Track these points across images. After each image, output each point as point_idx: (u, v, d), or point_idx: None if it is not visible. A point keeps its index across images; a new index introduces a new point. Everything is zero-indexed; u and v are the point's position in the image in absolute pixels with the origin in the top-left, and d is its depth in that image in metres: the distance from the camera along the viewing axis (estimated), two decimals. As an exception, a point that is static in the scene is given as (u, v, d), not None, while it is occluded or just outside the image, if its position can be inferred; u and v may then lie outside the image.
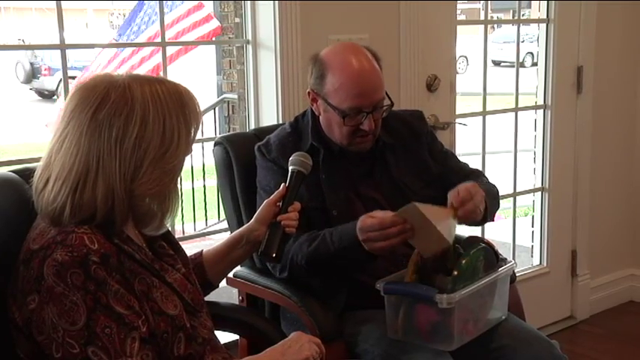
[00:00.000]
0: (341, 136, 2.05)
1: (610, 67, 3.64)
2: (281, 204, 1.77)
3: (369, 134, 2.05)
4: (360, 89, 1.99)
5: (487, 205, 1.98)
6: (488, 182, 2.18)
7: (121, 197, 1.37)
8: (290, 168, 1.83)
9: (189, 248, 1.74)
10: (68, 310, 1.30)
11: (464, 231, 2.45)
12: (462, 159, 2.35)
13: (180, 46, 5.86)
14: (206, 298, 1.65)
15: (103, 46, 7.42)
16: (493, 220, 2.04)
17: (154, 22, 6.10)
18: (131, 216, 1.42)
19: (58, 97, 12.19)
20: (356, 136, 2.04)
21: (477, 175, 2.22)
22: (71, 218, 1.36)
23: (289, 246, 1.94)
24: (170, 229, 1.60)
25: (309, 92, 2.11)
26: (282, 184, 1.80)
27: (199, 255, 1.78)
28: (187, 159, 1.49)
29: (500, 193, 3.51)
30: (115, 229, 1.39)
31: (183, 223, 5.58)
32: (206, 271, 1.76)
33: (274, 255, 1.72)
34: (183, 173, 1.51)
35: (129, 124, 1.37)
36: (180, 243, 1.65)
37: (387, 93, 2.06)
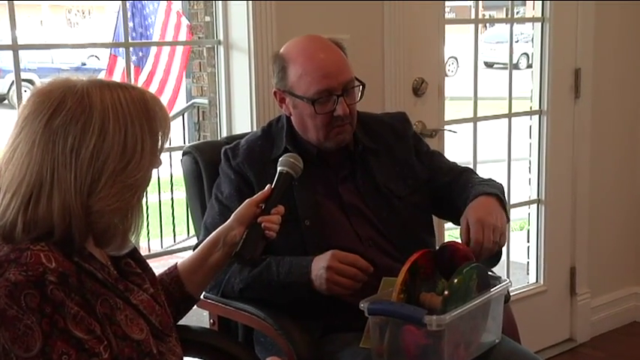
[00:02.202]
0: (316, 131, 2.08)
1: (610, 70, 3.68)
2: (264, 205, 1.78)
3: (346, 123, 2.07)
4: (324, 70, 2.03)
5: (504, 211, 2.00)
6: (484, 181, 2.17)
7: (77, 213, 1.36)
8: (278, 169, 1.86)
9: (156, 267, 1.73)
10: (22, 334, 1.29)
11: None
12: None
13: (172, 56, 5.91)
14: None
15: (60, 47, 7.39)
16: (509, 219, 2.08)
17: (153, 24, 6.18)
18: (91, 234, 1.42)
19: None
20: (332, 126, 2.06)
21: (469, 175, 2.22)
22: (25, 235, 1.35)
23: (227, 266, 1.96)
24: (135, 246, 1.60)
25: (275, 93, 2.14)
26: (268, 185, 1.82)
27: (174, 268, 1.78)
28: (153, 171, 1.49)
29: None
30: (75, 247, 1.39)
31: (149, 240, 5.56)
32: (184, 283, 1.76)
33: (249, 258, 1.73)
34: (149, 185, 1.51)
35: (86, 133, 1.36)
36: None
37: (357, 78, 2.09)
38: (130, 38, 6.18)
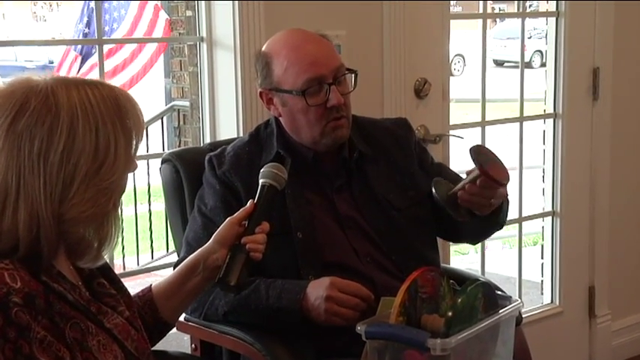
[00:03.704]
0: (310, 128, 2.09)
1: (631, 69, 3.69)
2: (247, 223, 1.78)
3: (342, 116, 2.08)
4: (311, 58, 2.06)
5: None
6: None
7: (47, 223, 1.37)
8: (260, 181, 1.85)
9: (132, 287, 1.73)
10: (-17, 362, 1.29)
11: (459, 263, 2.47)
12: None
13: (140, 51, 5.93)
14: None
15: (24, 44, 7.44)
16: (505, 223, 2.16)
17: (123, 17, 6.21)
18: (62, 246, 1.42)
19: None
20: (327, 120, 2.07)
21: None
22: (-12, 250, 1.36)
23: (212, 286, 1.96)
24: (109, 263, 1.60)
25: (260, 94, 2.16)
26: (250, 201, 1.82)
27: (148, 290, 1.78)
28: (129, 178, 1.49)
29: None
30: (43, 263, 1.39)
31: (124, 257, 5.55)
32: (158, 308, 1.76)
33: (234, 284, 1.72)
34: (124, 197, 1.52)
35: (53, 134, 1.37)
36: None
37: (348, 68, 2.12)
38: (82, 36, 6.21)
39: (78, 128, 1.39)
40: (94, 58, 6.38)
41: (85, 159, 1.39)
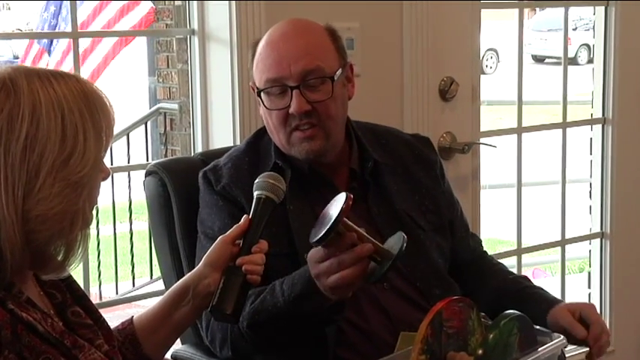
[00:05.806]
0: (277, 133, 2.11)
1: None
2: (242, 242, 1.78)
3: (312, 125, 2.08)
4: (276, 57, 2.08)
5: None
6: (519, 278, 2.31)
7: (9, 221, 1.38)
8: (255, 194, 1.84)
9: (110, 319, 1.74)
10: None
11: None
12: (490, 192, 2.37)
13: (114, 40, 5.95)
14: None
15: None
16: None
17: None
18: (27, 256, 1.43)
19: None
20: (291, 128, 2.09)
21: (497, 268, 2.33)
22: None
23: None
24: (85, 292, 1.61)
25: (251, 87, 2.20)
26: (245, 216, 1.82)
27: (129, 323, 1.78)
28: (107, 192, 1.51)
29: (545, 241, 3.57)
30: (6, 275, 1.40)
31: (100, 284, 5.55)
32: (141, 343, 1.75)
33: (230, 312, 1.72)
34: (101, 214, 1.53)
35: (14, 121, 1.39)
36: (97, 311, 1.66)
37: (343, 69, 2.13)
38: (48, 26, 6.25)
39: (41, 114, 1.41)
40: (59, 53, 6.40)
41: (51, 148, 1.41)
